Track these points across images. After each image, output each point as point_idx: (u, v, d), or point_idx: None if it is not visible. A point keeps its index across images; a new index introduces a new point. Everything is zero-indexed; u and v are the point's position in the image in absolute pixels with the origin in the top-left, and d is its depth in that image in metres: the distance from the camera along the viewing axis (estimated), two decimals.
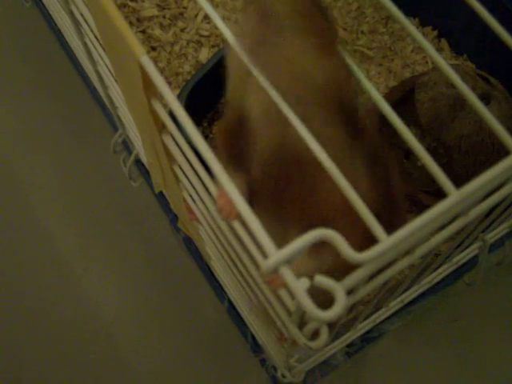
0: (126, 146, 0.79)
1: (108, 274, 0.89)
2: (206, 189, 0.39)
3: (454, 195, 0.30)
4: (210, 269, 0.76)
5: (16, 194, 0.93)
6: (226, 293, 0.75)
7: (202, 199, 0.40)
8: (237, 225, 0.33)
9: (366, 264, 0.28)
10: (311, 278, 0.47)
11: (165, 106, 0.38)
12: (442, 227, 0.36)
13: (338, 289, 0.28)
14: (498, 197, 0.38)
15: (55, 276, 0.88)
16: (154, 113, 0.39)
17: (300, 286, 0.28)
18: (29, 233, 0.91)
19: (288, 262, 0.28)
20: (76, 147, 0.96)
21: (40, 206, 0.93)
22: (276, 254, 0.28)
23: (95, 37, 0.56)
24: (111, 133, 0.82)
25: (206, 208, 0.39)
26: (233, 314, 0.76)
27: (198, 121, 0.89)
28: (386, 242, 0.28)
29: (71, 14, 0.55)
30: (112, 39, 0.40)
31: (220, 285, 0.75)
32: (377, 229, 0.29)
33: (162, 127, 0.40)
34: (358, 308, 0.76)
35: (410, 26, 0.42)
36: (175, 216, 0.72)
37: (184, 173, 0.41)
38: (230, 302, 0.75)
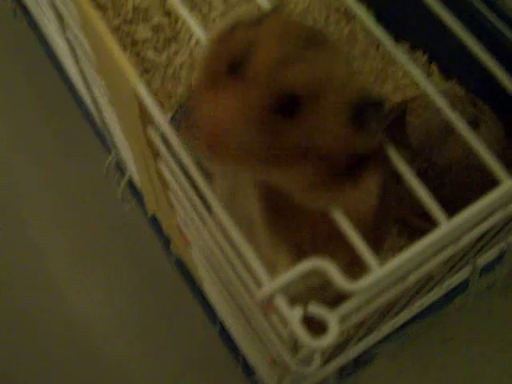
0: (119, 167, 0.80)
1: (99, 294, 0.89)
2: (200, 215, 0.40)
3: (445, 225, 0.30)
4: (202, 291, 0.76)
5: (7, 211, 0.93)
6: (217, 315, 0.75)
7: (195, 225, 0.40)
8: (231, 252, 0.34)
9: (359, 294, 0.29)
10: (305, 295, 0.48)
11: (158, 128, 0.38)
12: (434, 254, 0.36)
13: (330, 318, 0.28)
14: (488, 224, 0.38)
15: (45, 294, 0.88)
16: (149, 140, 0.39)
17: (294, 315, 0.29)
18: (19, 250, 0.91)
19: (282, 291, 0.29)
20: (69, 167, 0.96)
21: (32, 224, 0.92)
22: (270, 284, 0.28)
23: (91, 61, 0.57)
24: (104, 154, 0.82)
25: (200, 234, 0.39)
26: (224, 337, 0.75)
27: None
28: (378, 272, 0.29)
29: (67, 40, 0.56)
30: (108, 66, 0.41)
31: (212, 307, 0.75)
32: (369, 258, 0.29)
33: (156, 154, 0.41)
34: (351, 331, 0.76)
35: (398, 51, 0.43)
36: (168, 239, 0.72)
37: (178, 199, 0.41)
38: (222, 325, 0.75)
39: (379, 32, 0.42)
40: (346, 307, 0.29)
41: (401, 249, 0.87)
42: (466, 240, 0.37)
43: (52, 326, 0.87)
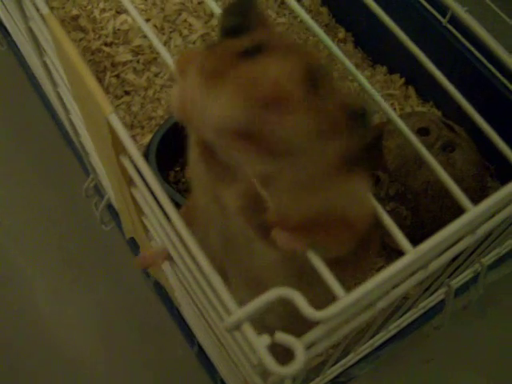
0: (98, 190, 0.80)
1: (76, 314, 0.88)
2: (172, 243, 0.40)
3: (411, 254, 0.31)
4: (179, 313, 0.76)
5: None
6: (195, 337, 0.75)
7: (169, 250, 0.41)
8: (201, 280, 0.34)
9: (325, 322, 0.29)
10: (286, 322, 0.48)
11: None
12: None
13: (297, 346, 0.29)
14: (457, 249, 0.39)
15: (25, 319, 0.88)
16: (122, 167, 0.40)
17: (261, 343, 0.29)
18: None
19: (249, 319, 0.29)
20: (48, 190, 0.96)
21: (11, 247, 0.92)
22: (238, 313, 0.29)
23: (67, 86, 0.57)
24: (83, 177, 0.82)
25: (174, 260, 0.40)
26: (202, 358, 0.75)
27: (170, 165, 0.90)
28: (344, 299, 0.29)
29: (44, 64, 0.57)
30: (82, 94, 0.41)
31: (189, 328, 0.76)
32: (336, 287, 0.30)
33: (130, 180, 0.41)
34: (328, 352, 0.77)
35: (363, 79, 0.44)
36: None
37: (151, 223, 0.42)
38: (199, 346, 0.75)
39: (344, 59, 0.43)
40: (312, 335, 0.30)
41: (379, 270, 0.89)
42: (435, 265, 0.38)
43: (32, 350, 0.86)
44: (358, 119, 0.39)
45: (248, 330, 0.29)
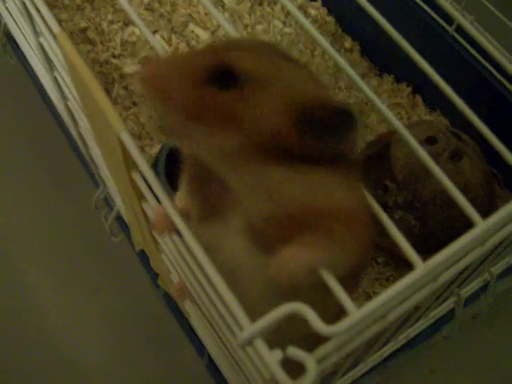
0: (108, 202, 0.80)
1: (86, 326, 0.89)
2: (183, 253, 0.40)
3: (421, 268, 0.31)
4: (189, 324, 0.76)
5: None
6: (205, 348, 0.75)
7: (179, 264, 0.41)
8: (214, 295, 0.34)
9: (336, 336, 0.29)
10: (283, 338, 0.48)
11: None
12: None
13: (308, 360, 0.29)
14: (466, 262, 0.39)
15: (35, 329, 0.88)
16: (133, 182, 0.40)
17: (273, 358, 0.29)
18: (8, 286, 0.91)
19: (261, 334, 0.29)
20: (58, 202, 0.97)
21: (20, 259, 0.92)
22: (250, 328, 0.29)
23: (77, 101, 0.58)
24: (93, 189, 0.83)
25: (184, 274, 0.40)
26: (212, 369, 0.75)
27: (178, 175, 0.91)
28: (355, 314, 0.30)
29: (54, 78, 0.57)
30: (93, 110, 0.42)
31: (199, 340, 0.76)
32: (347, 302, 0.30)
33: (141, 195, 0.42)
34: (338, 363, 0.77)
35: (367, 90, 0.44)
36: (155, 273, 0.73)
37: (162, 238, 0.42)
38: (210, 357, 0.75)
39: (349, 69, 0.43)
40: (323, 349, 0.30)
41: (387, 279, 0.89)
42: (444, 278, 0.38)
43: (41, 360, 0.86)
44: (326, 119, 0.40)
45: (260, 345, 0.29)
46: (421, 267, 0.31)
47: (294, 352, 0.29)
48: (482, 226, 0.32)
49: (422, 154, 0.38)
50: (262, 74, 0.40)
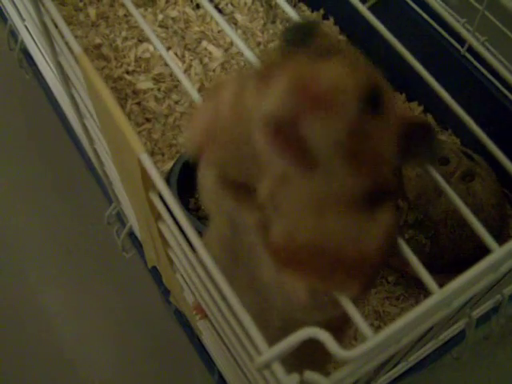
0: (120, 218, 0.81)
1: (97, 342, 0.89)
2: (199, 274, 0.41)
3: (438, 295, 0.31)
4: (200, 341, 0.77)
5: (9, 262, 0.94)
6: (215, 365, 0.75)
7: (196, 287, 0.41)
8: (230, 317, 0.35)
9: (353, 361, 0.30)
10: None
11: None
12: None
13: None
14: (479, 287, 0.39)
15: (44, 344, 0.89)
16: (150, 202, 0.40)
17: (289, 382, 0.29)
18: (18, 299, 0.91)
19: (279, 358, 0.30)
20: (70, 217, 0.98)
21: (31, 272, 0.93)
22: (268, 352, 0.29)
23: (93, 118, 0.58)
24: (105, 204, 0.83)
25: (201, 295, 0.40)
26: None
27: (191, 192, 0.91)
28: (372, 340, 0.30)
29: (71, 96, 0.58)
30: (112, 131, 0.42)
31: (210, 357, 0.76)
32: (363, 326, 0.30)
33: (158, 215, 0.42)
34: None
35: None
36: (166, 289, 0.73)
37: (178, 260, 0.43)
38: (220, 375, 0.75)
39: None
40: (339, 374, 0.30)
41: (397, 298, 0.89)
42: (457, 302, 0.38)
43: (53, 372, 0.87)
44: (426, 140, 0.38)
45: (278, 369, 0.29)
46: (438, 293, 0.31)
47: (311, 375, 0.30)
48: (498, 252, 0.32)
49: (435, 175, 0.39)
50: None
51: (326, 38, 0.39)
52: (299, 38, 0.38)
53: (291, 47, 0.38)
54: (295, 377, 0.30)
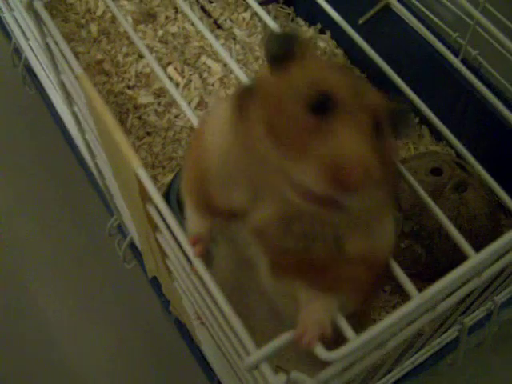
0: (121, 229, 0.83)
1: (98, 352, 0.90)
2: (195, 283, 0.42)
3: (416, 299, 0.33)
4: (200, 350, 0.78)
5: (10, 274, 0.96)
6: (215, 374, 0.76)
7: (191, 293, 0.43)
8: (222, 321, 0.36)
9: (337, 362, 0.31)
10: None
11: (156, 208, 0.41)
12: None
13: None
14: (462, 292, 0.41)
15: (44, 354, 0.90)
16: (148, 214, 0.42)
17: (278, 381, 0.31)
18: (20, 309, 0.93)
19: (266, 359, 0.31)
20: (73, 229, 0.99)
21: (33, 283, 0.95)
22: (257, 353, 0.31)
23: (95, 134, 0.60)
24: (107, 216, 0.85)
25: (196, 301, 0.42)
26: None
27: None
28: (354, 341, 0.32)
29: (73, 113, 0.60)
30: (111, 146, 0.44)
31: (210, 366, 0.77)
32: (347, 330, 0.32)
33: (155, 226, 0.44)
34: None
35: None
36: (167, 299, 0.75)
37: (174, 266, 0.44)
38: (219, 382, 0.77)
39: None
40: (324, 374, 0.32)
41: (394, 307, 0.90)
42: (442, 307, 0.40)
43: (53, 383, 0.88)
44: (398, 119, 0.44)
45: (266, 369, 0.31)
46: (417, 297, 0.33)
47: (297, 375, 0.31)
48: (474, 259, 0.34)
49: (421, 192, 0.41)
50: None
51: (306, 45, 0.43)
52: (282, 49, 0.42)
53: (275, 59, 0.42)
54: (282, 377, 0.32)
